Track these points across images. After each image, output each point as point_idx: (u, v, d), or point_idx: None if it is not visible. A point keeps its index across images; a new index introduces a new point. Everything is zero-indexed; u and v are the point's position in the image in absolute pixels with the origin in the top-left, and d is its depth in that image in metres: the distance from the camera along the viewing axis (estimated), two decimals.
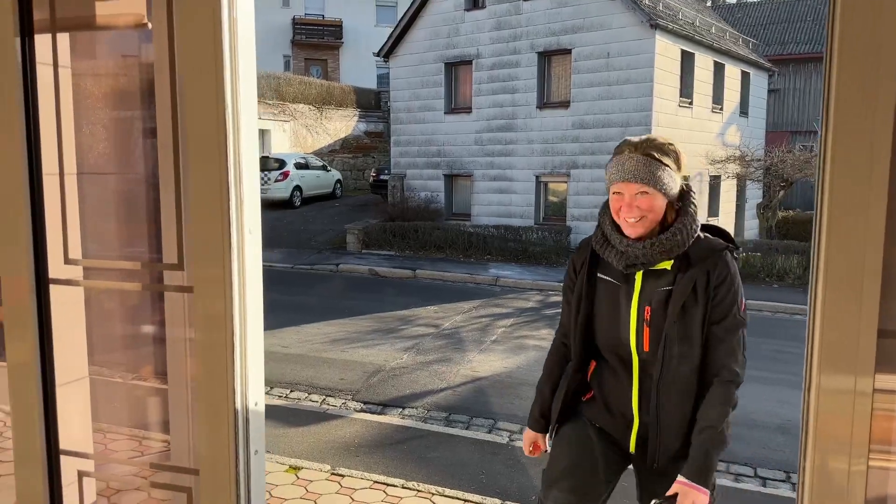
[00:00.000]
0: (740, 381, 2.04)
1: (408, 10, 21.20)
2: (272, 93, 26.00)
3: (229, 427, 1.53)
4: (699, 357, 2.03)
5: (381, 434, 5.87)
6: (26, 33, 1.61)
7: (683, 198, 2.10)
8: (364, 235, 17.88)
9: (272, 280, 13.60)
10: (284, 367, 7.83)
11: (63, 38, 1.68)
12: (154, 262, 1.83)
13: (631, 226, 2.03)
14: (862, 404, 1.08)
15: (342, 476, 4.65)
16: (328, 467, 4.79)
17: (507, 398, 6.90)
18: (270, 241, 18.34)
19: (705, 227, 2.15)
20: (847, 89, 1.06)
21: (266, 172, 21.45)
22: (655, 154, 2.03)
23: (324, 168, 23.76)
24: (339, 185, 24.30)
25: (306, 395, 7.01)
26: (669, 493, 1.96)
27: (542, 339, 9.36)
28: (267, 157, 22.37)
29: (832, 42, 1.06)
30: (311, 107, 27.30)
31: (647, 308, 2.05)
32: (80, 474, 1.79)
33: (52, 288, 1.73)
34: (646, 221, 2.02)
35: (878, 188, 1.06)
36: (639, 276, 2.07)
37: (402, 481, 4.60)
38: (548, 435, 2.35)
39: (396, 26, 21.64)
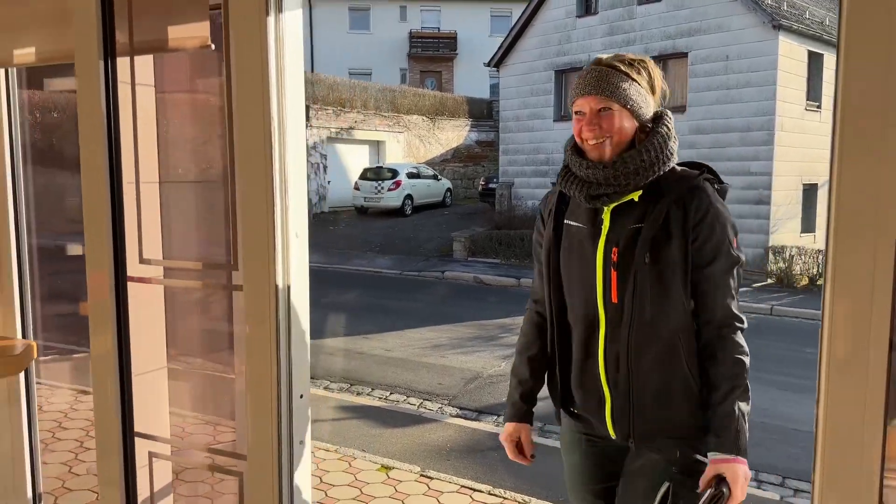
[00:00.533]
0: (745, 326, 1.74)
1: (518, 18, 21.28)
2: (387, 105, 26.82)
3: (272, 417, 1.64)
4: (682, 315, 1.74)
5: (474, 440, 5.92)
6: (109, 55, 1.81)
7: (657, 121, 1.83)
8: (470, 243, 18.04)
9: (379, 286, 14.12)
10: (386, 369, 8.05)
11: (144, 59, 1.87)
12: (216, 263, 1.98)
13: (593, 147, 1.76)
14: (873, 420, 1.01)
15: (431, 478, 4.73)
16: (418, 469, 4.88)
17: None
18: (382, 248, 18.93)
19: (691, 165, 1.86)
20: (857, 90, 1.01)
21: (379, 182, 22.28)
22: (622, 67, 1.78)
23: (434, 177, 24.28)
24: (448, 194, 24.73)
25: (405, 397, 7.17)
26: (705, 479, 1.66)
27: None
28: (381, 167, 23.22)
29: (841, 37, 1.02)
30: (424, 118, 27.92)
31: (615, 249, 1.76)
32: (151, 455, 1.97)
33: (130, 285, 1.91)
34: (611, 144, 1.75)
35: (889, 201, 1.00)
36: (607, 216, 1.79)
37: (489, 487, 4.62)
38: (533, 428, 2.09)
39: (507, 35, 21.76)
